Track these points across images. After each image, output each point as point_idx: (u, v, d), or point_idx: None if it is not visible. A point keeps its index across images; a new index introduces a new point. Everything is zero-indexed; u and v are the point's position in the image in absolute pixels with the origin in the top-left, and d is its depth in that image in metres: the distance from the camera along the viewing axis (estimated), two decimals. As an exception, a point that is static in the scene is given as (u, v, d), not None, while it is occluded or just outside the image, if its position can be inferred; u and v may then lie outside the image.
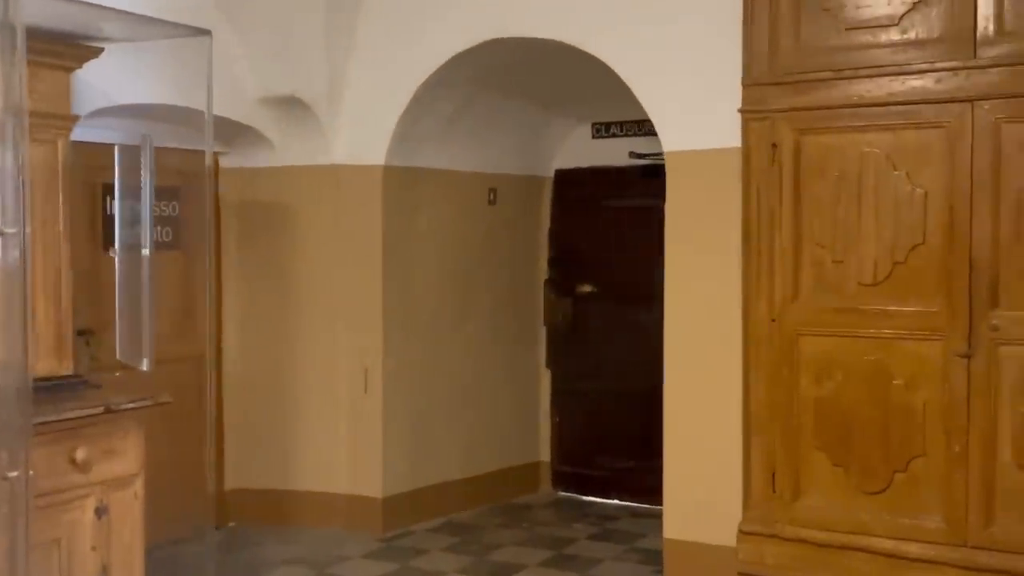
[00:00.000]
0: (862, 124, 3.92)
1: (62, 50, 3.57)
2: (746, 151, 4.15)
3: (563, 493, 6.31)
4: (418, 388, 5.51)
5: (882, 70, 3.87)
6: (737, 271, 4.20)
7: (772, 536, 4.14)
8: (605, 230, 6.11)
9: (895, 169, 3.88)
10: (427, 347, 5.56)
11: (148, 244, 3.37)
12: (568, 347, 6.26)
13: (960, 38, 3.74)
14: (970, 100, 3.73)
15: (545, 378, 6.36)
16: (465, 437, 5.82)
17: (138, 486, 3.59)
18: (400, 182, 5.36)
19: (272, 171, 5.38)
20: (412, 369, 5.47)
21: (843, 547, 4.00)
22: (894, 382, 3.91)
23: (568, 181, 6.26)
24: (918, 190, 3.84)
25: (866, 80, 3.90)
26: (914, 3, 3.81)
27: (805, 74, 4.01)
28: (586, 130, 6.21)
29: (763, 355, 4.14)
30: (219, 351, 5.41)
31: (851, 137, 3.95)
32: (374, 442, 5.32)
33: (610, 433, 6.14)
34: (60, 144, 3.61)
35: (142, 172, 3.36)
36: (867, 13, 3.89)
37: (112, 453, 3.48)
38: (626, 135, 6.06)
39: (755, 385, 4.17)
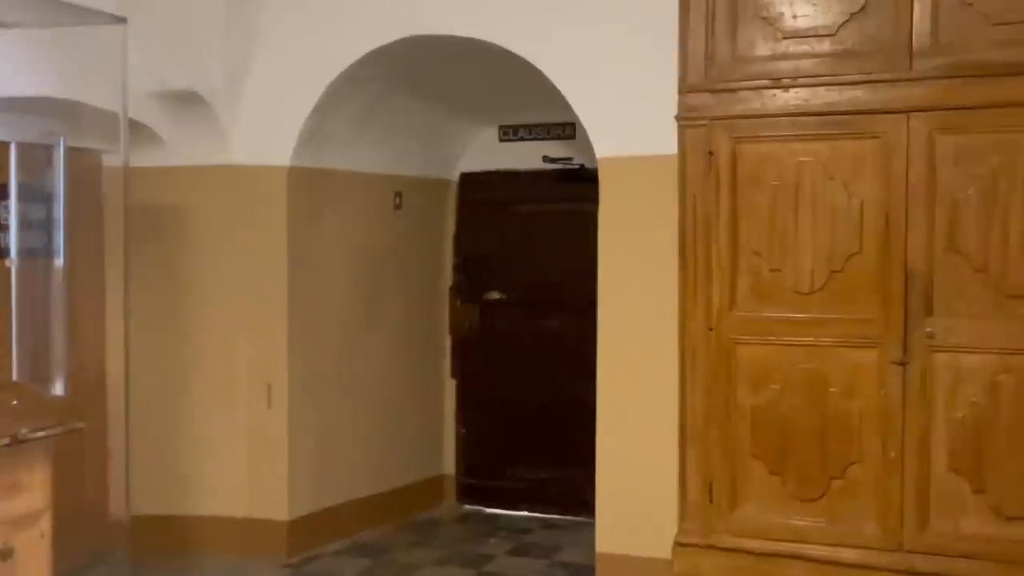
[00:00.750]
0: (799, 133, 3.96)
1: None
2: (682, 158, 4.13)
3: (469, 506, 6.18)
4: (324, 402, 5.27)
5: (819, 80, 3.92)
6: (673, 279, 4.18)
7: (709, 547, 4.14)
8: (514, 235, 6.02)
9: (832, 179, 3.94)
10: (333, 359, 5.33)
11: (62, 253, 3.05)
12: (475, 356, 6.14)
13: (896, 50, 3.82)
14: (905, 111, 3.82)
15: (450, 388, 6.21)
16: (372, 452, 5.61)
17: (44, 524, 3.25)
18: (306, 184, 5.11)
19: (163, 171, 5.03)
20: (318, 382, 5.23)
21: (780, 555, 4.03)
22: (831, 390, 3.97)
23: (474, 185, 6.14)
24: (854, 199, 3.91)
25: (803, 89, 3.95)
26: (851, 14, 3.87)
27: (742, 82, 4.03)
28: (493, 133, 6.10)
29: (700, 364, 4.13)
30: (103, 371, 5.02)
31: (788, 146, 3.99)
32: (279, 461, 5.05)
33: (520, 444, 6.06)
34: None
35: (58, 173, 3.04)
36: (804, 23, 3.94)
37: (16, 489, 3.13)
38: (535, 139, 5.99)
39: (691, 394, 4.16)
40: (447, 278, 6.17)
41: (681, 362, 4.17)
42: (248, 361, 5.04)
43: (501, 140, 6.10)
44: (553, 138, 5.93)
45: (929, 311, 3.83)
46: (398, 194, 5.74)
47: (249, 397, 5.06)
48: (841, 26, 3.89)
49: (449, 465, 6.23)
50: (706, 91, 4.07)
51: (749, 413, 4.09)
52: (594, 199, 5.81)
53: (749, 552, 4.08)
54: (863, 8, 3.86)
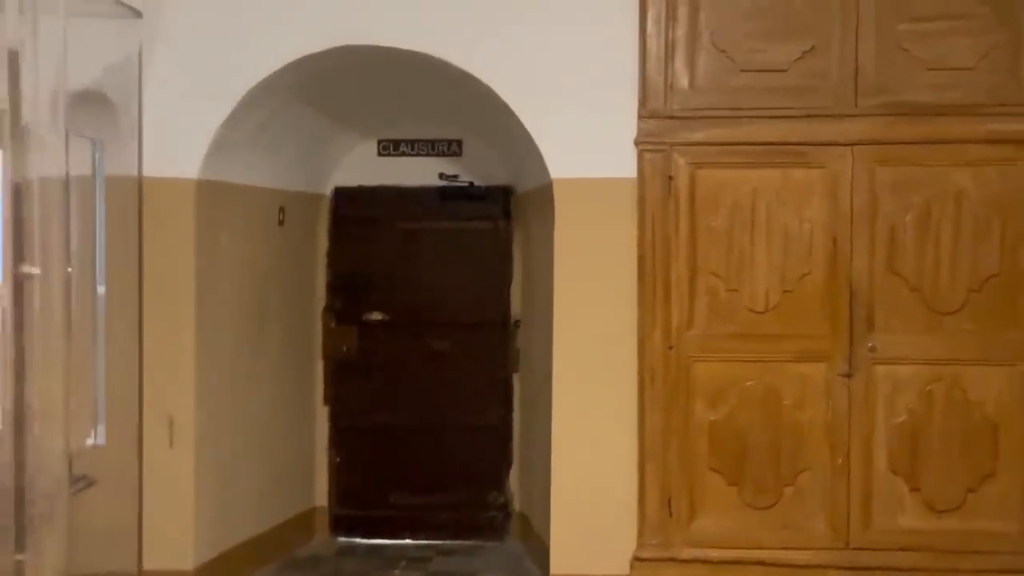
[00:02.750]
0: (754, 161, 4.31)
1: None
2: (641, 182, 4.35)
3: (344, 539, 6.00)
4: (221, 437, 4.93)
5: (773, 111, 4.29)
6: (631, 300, 4.38)
7: (668, 559, 4.37)
8: (396, 253, 5.93)
9: (784, 204, 4.32)
10: (228, 389, 5.00)
11: (102, 278, 2.71)
12: (354, 379, 5.97)
13: (842, 88, 4.27)
14: (849, 144, 4.28)
15: (323, 415, 6.01)
16: (260, 487, 5.32)
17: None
18: (211, 199, 4.77)
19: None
20: (218, 415, 4.89)
21: (738, 562, 4.34)
22: (783, 402, 4.35)
23: (349, 200, 5.98)
24: (805, 224, 4.31)
25: (758, 120, 4.30)
26: (803, 52, 4.28)
27: (701, 110, 4.31)
28: (371, 146, 5.99)
29: (659, 382, 4.36)
30: None
31: (744, 173, 4.32)
32: (184, 504, 4.67)
33: (403, 469, 5.97)
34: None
35: (96, 182, 2.71)
36: (760, 58, 4.29)
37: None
38: (417, 154, 5.96)
39: (651, 411, 4.37)
40: (322, 298, 5.97)
41: (640, 381, 4.38)
42: (147, 393, 4.62)
43: (380, 155, 6.00)
44: (438, 154, 5.92)
45: (871, 327, 4.30)
46: (281, 209, 5.49)
47: (149, 435, 4.63)
48: (793, 63, 4.28)
49: (322, 497, 6.01)
50: (666, 117, 4.32)
51: (707, 428, 4.37)
52: (483, 217, 5.94)
53: (707, 562, 4.36)
54: (813, 48, 4.27)
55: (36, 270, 2.41)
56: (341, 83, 5.25)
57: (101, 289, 2.79)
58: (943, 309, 4.27)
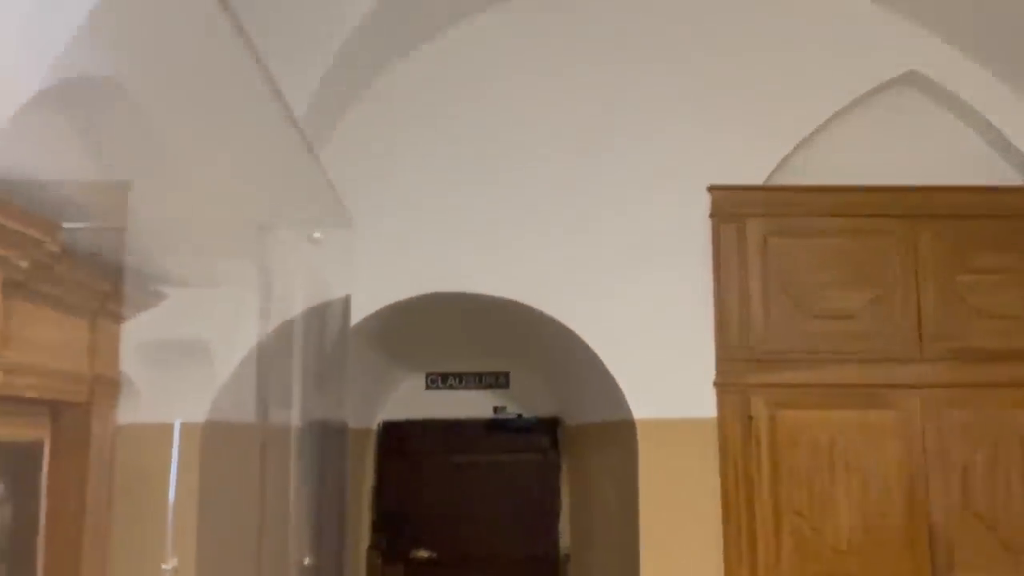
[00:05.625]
0: (830, 402, 4.62)
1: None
2: (722, 422, 4.62)
3: None
4: None
5: (845, 355, 4.64)
6: (716, 538, 4.55)
7: None
8: (443, 489, 6.06)
9: (861, 445, 4.60)
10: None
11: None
12: (400, 621, 5.94)
13: (908, 333, 4.66)
14: (918, 387, 4.62)
15: (367, 659, 5.92)
16: None
17: None
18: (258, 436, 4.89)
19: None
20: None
21: None
22: (872, 644, 4.47)
23: (397, 434, 6.15)
24: (882, 464, 4.58)
25: (831, 364, 4.63)
26: (869, 300, 4.67)
27: (777, 353, 4.65)
28: (419, 380, 6.21)
29: (748, 623, 4.47)
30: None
31: (822, 414, 4.62)
32: None
33: None
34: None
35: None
36: (829, 305, 4.68)
37: None
38: (464, 387, 6.19)
39: (740, 653, 4.46)
40: (366, 537, 6.01)
41: (728, 622, 4.48)
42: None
43: (428, 388, 6.22)
44: (485, 387, 6.17)
45: (952, 567, 4.51)
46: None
47: None
48: (861, 310, 4.68)
49: None
50: (743, 360, 4.64)
51: (796, 670, 4.45)
52: (531, 449, 6.13)
53: None
54: (879, 296, 4.68)
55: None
56: (398, 321, 5.52)
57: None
58: (1020, 548, 4.51)
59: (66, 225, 2.30)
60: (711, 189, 4.82)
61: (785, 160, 4.98)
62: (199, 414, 4.46)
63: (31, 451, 2.69)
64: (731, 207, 4.80)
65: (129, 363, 4.42)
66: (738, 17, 5.03)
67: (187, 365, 4.21)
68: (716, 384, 4.66)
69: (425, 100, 4.99)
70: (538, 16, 5.05)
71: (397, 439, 6.16)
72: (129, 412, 4.54)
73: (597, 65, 5.01)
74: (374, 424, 6.18)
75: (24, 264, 2.14)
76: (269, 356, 4.50)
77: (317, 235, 3.28)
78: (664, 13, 5.02)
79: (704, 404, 4.67)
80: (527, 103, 4.99)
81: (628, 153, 4.94)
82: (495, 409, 6.07)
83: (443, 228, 4.87)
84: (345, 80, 4.69)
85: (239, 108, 2.72)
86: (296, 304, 4.44)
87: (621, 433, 4.91)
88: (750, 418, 4.62)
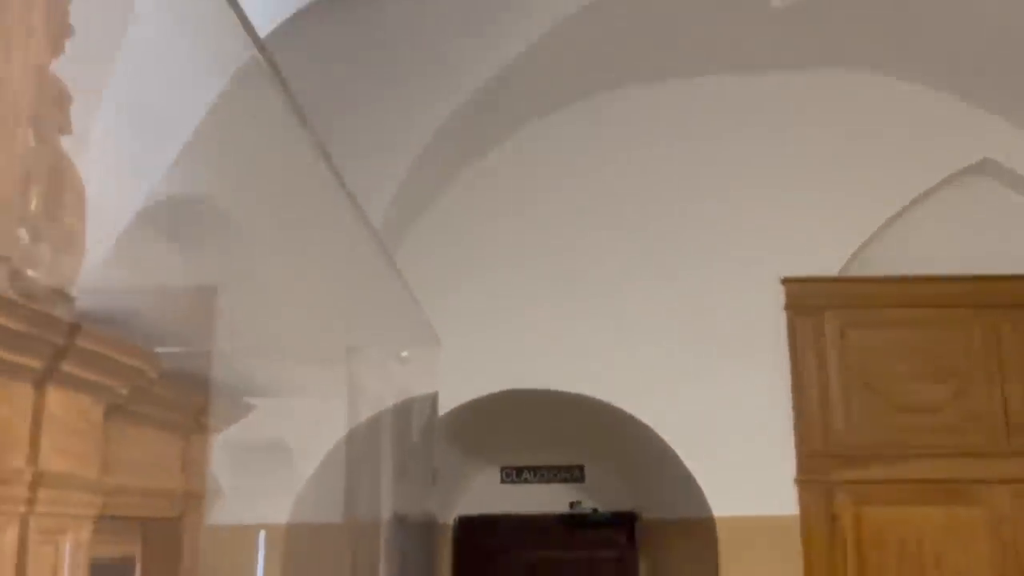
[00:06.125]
0: (916, 498, 4.53)
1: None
2: (804, 520, 4.55)
3: None
4: None
5: (930, 450, 4.55)
6: (801, 641, 4.44)
7: None
8: (522, 586, 6.00)
9: (949, 542, 4.49)
10: None
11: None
12: None
13: (994, 426, 4.56)
14: (1005, 482, 4.50)
15: None
16: None
17: None
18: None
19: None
20: None
21: None
22: None
23: (472, 530, 6.13)
24: (972, 562, 4.45)
25: (915, 459, 4.55)
26: (952, 393, 4.60)
27: (859, 448, 4.59)
28: (494, 474, 6.21)
29: None
30: None
31: (908, 510, 4.53)
32: None
33: None
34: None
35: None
36: (911, 398, 4.62)
37: None
38: (539, 481, 6.17)
39: None
40: (442, 635, 5.97)
41: None
42: None
43: (503, 482, 6.21)
44: (560, 480, 6.14)
45: (1050, 671, 4.34)
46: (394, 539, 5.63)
47: None
48: (944, 403, 4.59)
49: None
50: (825, 456, 4.57)
51: None
52: (607, 544, 6.06)
53: None
54: (963, 389, 4.59)
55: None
56: (474, 416, 5.54)
57: None
58: (1124, 651, 4.33)
59: (162, 350, 2.39)
60: (785, 281, 4.82)
61: (860, 250, 4.96)
62: (282, 515, 4.52)
63: (123, 568, 2.75)
64: (806, 299, 4.79)
65: (217, 469, 4.53)
66: (811, 110, 5.06)
67: (270, 467, 4.28)
68: (797, 481, 4.59)
69: (498, 200, 5.09)
70: (610, 112, 5.15)
71: (472, 534, 6.14)
72: (214, 514, 4.63)
73: (669, 160, 5.07)
74: (450, 519, 6.17)
75: (125, 391, 2.23)
76: (355, 455, 4.57)
77: (404, 354, 3.35)
78: (737, 107, 5.09)
79: (785, 501, 4.60)
80: (598, 200, 5.06)
81: (701, 246, 4.96)
82: (571, 504, 6.03)
83: (518, 326, 4.92)
84: (422, 184, 4.81)
85: (329, 232, 2.82)
86: (382, 403, 4.51)
87: (700, 530, 4.85)
88: (834, 516, 4.54)
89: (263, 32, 2.95)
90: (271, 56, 2.23)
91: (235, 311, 2.86)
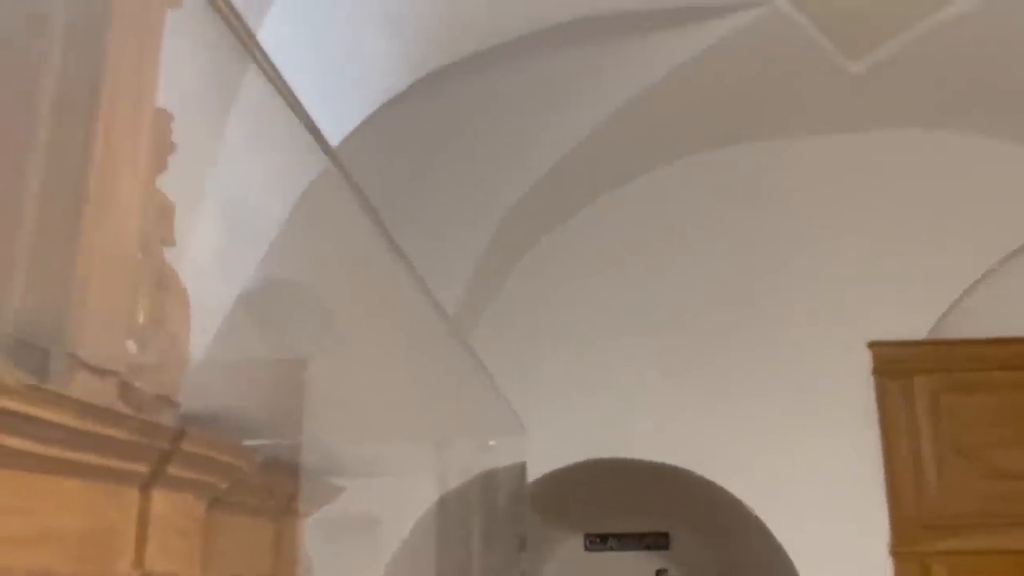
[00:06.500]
0: (1014, 569, 4.38)
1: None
2: (901, 593, 4.42)
3: None
4: None
5: (1026, 519, 4.41)
6: None
7: None
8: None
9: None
10: None
11: None
12: None
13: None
14: (1115, 548, 4.34)
15: None
16: None
17: None
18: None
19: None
20: None
21: None
22: None
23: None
24: (1081, 634, 4.28)
25: (1014, 528, 4.40)
26: (1049, 448, 4.46)
27: (955, 518, 4.47)
28: (578, 541, 6.17)
29: None
30: None
31: (1010, 580, 4.37)
32: None
33: None
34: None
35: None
36: (1010, 465, 4.49)
37: None
38: (624, 549, 6.11)
39: None
40: None
41: None
42: None
43: (587, 549, 6.17)
44: (646, 548, 6.07)
45: None
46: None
47: None
48: (1044, 470, 4.46)
49: None
50: (918, 525, 4.46)
51: None
52: (694, 615, 5.96)
53: None
54: (1061, 452, 4.46)
55: None
56: (558, 485, 5.53)
57: None
58: None
59: (257, 443, 2.45)
60: (872, 345, 4.74)
61: (948, 312, 4.87)
62: (370, 588, 4.56)
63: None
64: (895, 363, 4.71)
65: (308, 549, 4.59)
66: (892, 170, 5.01)
67: (360, 542, 4.32)
68: (892, 552, 4.48)
69: (577, 269, 5.12)
70: (686, 179, 5.16)
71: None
72: (300, 589, 4.69)
73: (747, 225, 5.06)
74: (533, 590, 6.14)
75: (224, 485, 2.29)
76: (444, 525, 4.59)
77: (492, 443, 3.38)
78: (816, 170, 5.06)
79: (879, 573, 4.49)
80: (680, 265, 5.06)
81: (784, 311, 4.92)
82: (657, 572, 5.95)
83: (601, 395, 4.92)
84: (502, 256, 4.87)
85: (410, 325, 2.88)
86: (469, 473, 4.54)
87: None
88: (931, 589, 4.42)
89: (352, 124, 3.05)
90: (343, 165, 2.32)
91: (322, 396, 2.92)
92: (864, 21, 4.21)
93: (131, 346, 1.84)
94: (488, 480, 4.74)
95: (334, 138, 2.95)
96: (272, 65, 2.12)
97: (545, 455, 4.87)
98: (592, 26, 3.82)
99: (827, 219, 5.01)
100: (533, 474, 4.87)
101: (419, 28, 3.01)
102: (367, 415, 2.90)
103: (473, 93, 3.79)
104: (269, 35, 2.62)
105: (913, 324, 4.82)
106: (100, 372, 1.70)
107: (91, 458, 1.73)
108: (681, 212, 5.13)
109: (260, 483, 2.76)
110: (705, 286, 5.02)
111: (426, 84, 3.24)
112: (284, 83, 2.14)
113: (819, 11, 4.10)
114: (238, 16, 2.17)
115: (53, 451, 1.61)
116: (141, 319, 1.86)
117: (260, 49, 2.16)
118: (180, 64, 2.02)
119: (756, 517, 4.73)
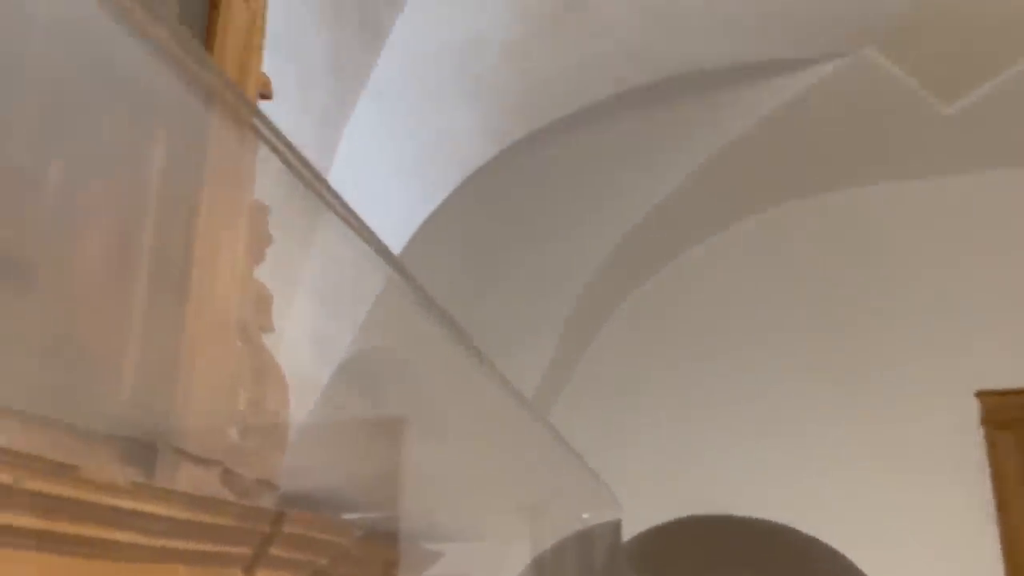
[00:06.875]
0: None
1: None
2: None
3: None
4: None
5: None
6: None
7: None
8: None
9: None
10: None
11: None
12: None
13: None
14: None
15: None
16: None
17: None
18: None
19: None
20: None
21: None
22: None
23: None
24: None
25: None
26: None
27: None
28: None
29: None
30: None
31: None
32: None
33: None
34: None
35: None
36: None
37: None
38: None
39: None
40: None
41: None
42: None
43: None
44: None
45: None
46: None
47: None
48: None
49: None
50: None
51: None
52: None
53: None
54: None
55: None
56: (655, 542, 5.46)
57: None
58: None
59: (356, 516, 2.49)
60: (980, 394, 4.59)
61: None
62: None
63: None
64: (1004, 412, 4.55)
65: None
66: (992, 216, 4.88)
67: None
68: (1013, 614, 4.31)
69: (668, 323, 5.10)
70: (776, 228, 5.11)
71: None
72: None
73: (843, 273, 4.98)
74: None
75: (324, 561, 2.33)
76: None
77: (586, 516, 3.37)
78: (915, 215, 4.96)
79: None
80: (773, 316, 4.99)
81: (887, 361, 4.81)
82: (762, 633, 5.81)
83: (699, 452, 4.87)
84: (592, 312, 4.88)
85: (506, 410, 2.92)
86: (565, 531, 4.53)
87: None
88: (1061, 648, 4.23)
89: (442, 195, 3.12)
90: (406, 270, 2.38)
91: (417, 463, 2.96)
92: (955, 64, 4.14)
93: (233, 433, 1.90)
94: (584, 538, 4.71)
95: (422, 211, 3.02)
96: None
97: (641, 512, 4.83)
98: (675, 84, 3.84)
99: (928, 264, 4.89)
100: (630, 531, 4.82)
101: (503, 100, 3.07)
102: (460, 491, 2.93)
103: (560, 156, 3.83)
104: (362, 116, 2.71)
105: (1021, 371, 4.66)
106: (204, 462, 1.77)
107: (196, 545, 1.79)
108: (774, 262, 5.08)
109: (360, 555, 2.80)
110: (800, 336, 4.93)
111: (512, 153, 3.29)
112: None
113: (907, 57, 4.05)
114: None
115: (160, 542, 1.67)
116: (242, 406, 1.92)
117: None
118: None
119: (862, 573, 4.60)
